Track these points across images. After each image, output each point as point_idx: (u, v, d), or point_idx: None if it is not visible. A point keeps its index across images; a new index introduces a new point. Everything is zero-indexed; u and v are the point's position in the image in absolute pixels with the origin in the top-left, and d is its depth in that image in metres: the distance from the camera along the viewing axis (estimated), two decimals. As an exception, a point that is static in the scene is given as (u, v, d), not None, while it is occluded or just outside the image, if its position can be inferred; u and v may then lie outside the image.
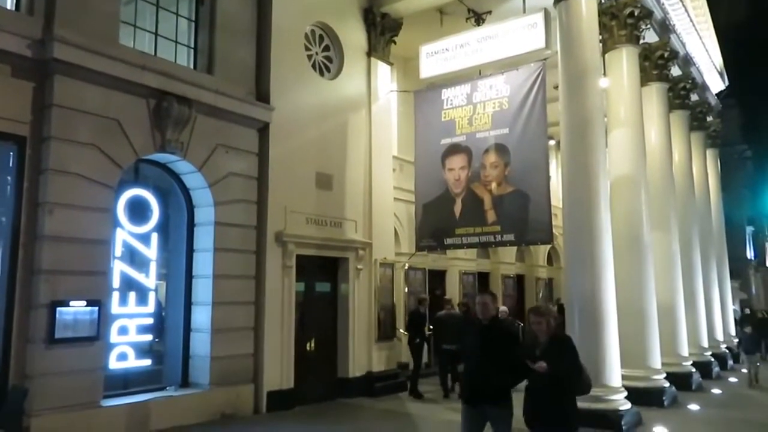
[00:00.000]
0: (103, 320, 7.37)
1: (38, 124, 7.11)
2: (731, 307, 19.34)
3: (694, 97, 15.87)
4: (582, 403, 8.15)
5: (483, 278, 17.43)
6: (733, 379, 13.61)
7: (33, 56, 6.98)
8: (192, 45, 9.29)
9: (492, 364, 4.96)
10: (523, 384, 4.86)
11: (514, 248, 18.22)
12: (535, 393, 4.76)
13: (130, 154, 7.92)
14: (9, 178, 7.10)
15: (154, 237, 8.40)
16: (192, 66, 9.18)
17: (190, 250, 9.00)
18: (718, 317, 16.02)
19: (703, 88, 17.09)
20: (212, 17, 9.31)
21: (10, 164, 7.07)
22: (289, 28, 10.26)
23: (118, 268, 7.91)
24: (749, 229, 40.41)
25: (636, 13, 10.89)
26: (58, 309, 6.89)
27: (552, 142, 16.10)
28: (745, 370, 14.26)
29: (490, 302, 5.29)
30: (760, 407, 10.57)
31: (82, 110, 7.35)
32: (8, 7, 7.24)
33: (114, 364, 7.77)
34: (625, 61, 11.02)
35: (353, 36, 11.66)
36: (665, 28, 12.82)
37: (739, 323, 19.17)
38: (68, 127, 7.20)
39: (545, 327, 4.84)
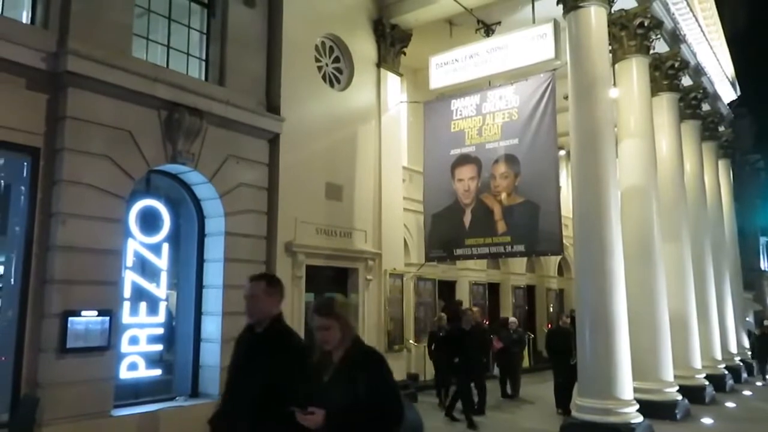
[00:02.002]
0: (114, 330, 7.40)
1: (52, 135, 7.18)
2: (745, 319, 19.10)
3: (705, 107, 15.80)
4: (593, 416, 8.16)
5: (493, 289, 17.36)
6: (747, 393, 13.41)
7: (47, 69, 7.07)
8: (203, 57, 9.38)
9: (250, 399, 3.20)
10: None
11: (525, 259, 18.13)
12: None
13: (142, 165, 7.99)
14: (23, 188, 7.18)
15: (165, 247, 8.44)
16: (203, 78, 9.26)
17: (200, 260, 9.03)
18: (731, 329, 15.81)
19: (715, 97, 17.00)
20: (223, 30, 9.40)
21: (24, 175, 7.15)
22: (299, 40, 10.34)
23: (130, 278, 7.94)
24: (763, 240, 39.98)
25: (646, 24, 10.88)
26: (70, 319, 6.92)
27: (562, 153, 16.07)
28: (759, 384, 14.05)
29: (263, 294, 3.34)
30: (775, 421, 10.42)
31: (95, 122, 7.43)
32: (24, 21, 7.36)
33: (125, 373, 7.79)
34: (635, 71, 11.00)
35: (363, 47, 11.73)
36: (676, 38, 12.80)
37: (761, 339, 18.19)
38: (81, 138, 7.27)
39: (339, 336, 2.99)
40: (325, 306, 3.08)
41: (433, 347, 11.34)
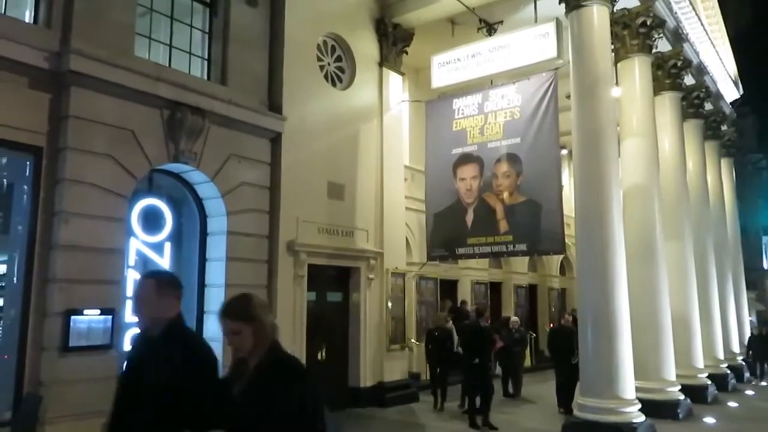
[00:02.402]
0: (117, 329, 7.40)
1: (55, 134, 7.19)
2: (748, 319, 19.05)
3: (708, 106, 15.76)
4: (595, 416, 8.15)
5: (495, 288, 17.36)
6: (749, 392, 13.40)
7: (50, 68, 7.08)
8: (206, 56, 9.38)
9: (142, 420, 2.64)
10: None
11: (527, 258, 18.13)
12: None
13: (145, 165, 8.00)
14: (26, 187, 7.19)
15: (167, 246, 8.45)
16: (205, 77, 9.27)
17: (202, 260, 9.04)
18: (734, 329, 15.80)
19: (717, 97, 16.96)
20: (225, 29, 9.41)
21: (27, 174, 7.16)
22: (301, 39, 10.34)
23: (132, 277, 7.95)
24: (765, 240, 39.88)
25: (648, 23, 10.87)
26: (72, 317, 6.93)
27: (564, 152, 16.03)
28: (765, 383, 13.99)
29: (154, 294, 2.81)
30: (777, 420, 10.40)
31: (98, 121, 7.44)
32: (27, 20, 7.37)
33: (127, 372, 7.79)
34: (637, 70, 10.99)
35: (365, 46, 11.73)
36: (678, 37, 12.78)
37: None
38: (84, 137, 7.29)
39: (251, 342, 2.54)
40: (233, 308, 2.58)
41: (430, 347, 11.30)
